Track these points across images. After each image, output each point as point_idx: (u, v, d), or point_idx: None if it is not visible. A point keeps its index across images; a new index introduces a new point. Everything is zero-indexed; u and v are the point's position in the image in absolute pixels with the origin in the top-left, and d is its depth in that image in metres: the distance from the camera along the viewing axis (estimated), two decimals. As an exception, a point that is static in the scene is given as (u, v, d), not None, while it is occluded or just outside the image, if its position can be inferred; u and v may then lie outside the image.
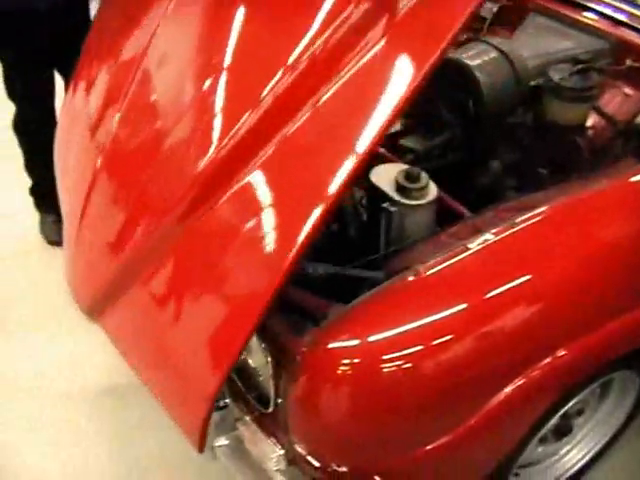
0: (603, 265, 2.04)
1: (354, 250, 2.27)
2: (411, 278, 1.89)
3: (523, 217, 1.99)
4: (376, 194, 2.23)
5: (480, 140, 2.60)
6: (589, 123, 2.53)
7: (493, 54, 2.51)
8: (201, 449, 1.96)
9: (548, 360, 1.97)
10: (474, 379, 1.89)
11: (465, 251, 1.92)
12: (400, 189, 2.17)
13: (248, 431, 2.14)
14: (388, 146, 2.74)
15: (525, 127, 2.55)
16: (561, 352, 1.98)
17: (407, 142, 2.76)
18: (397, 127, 2.88)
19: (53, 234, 3.72)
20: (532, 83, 2.53)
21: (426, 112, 2.73)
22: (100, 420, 2.89)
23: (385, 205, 2.18)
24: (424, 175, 2.19)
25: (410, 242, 2.19)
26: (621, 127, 2.45)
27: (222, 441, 2.25)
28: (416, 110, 2.75)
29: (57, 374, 3.10)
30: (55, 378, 3.08)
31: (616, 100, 2.56)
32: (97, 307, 2.26)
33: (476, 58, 2.50)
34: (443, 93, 2.63)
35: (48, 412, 2.94)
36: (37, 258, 3.68)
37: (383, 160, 2.52)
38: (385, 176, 2.24)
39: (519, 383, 1.94)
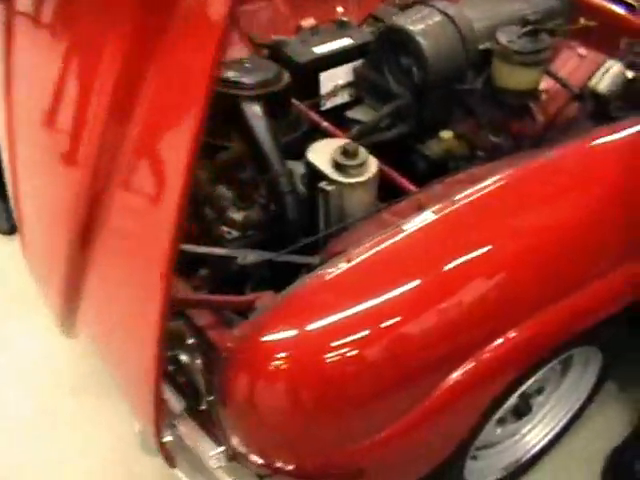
0: (555, 240, 1.88)
1: (295, 233, 2.12)
2: (344, 263, 1.73)
3: (465, 192, 1.83)
4: (314, 172, 2.07)
5: (428, 109, 2.43)
6: (542, 87, 2.35)
7: (437, 18, 2.33)
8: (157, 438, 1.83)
9: (500, 342, 1.83)
10: (422, 364, 1.75)
11: (399, 233, 1.75)
12: (337, 166, 2.01)
13: (187, 428, 2.00)
14: (333, 118, 2.59)
15: (476, 94, 2.38)
16: (513, 333, 1.83)
17: (354, 114, 2.59)
18: (345, 98, 2.70)
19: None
20: (481, 47, 2.36)
21: (373, 81, 2.55)
22: (75, 411, 2.80)
23: (321, 184, 2.01)
24: (362, 150, 2.03)
25: (351, 222, 2.02)
26: (576, 91, 2.27)
27: (167, 437, 2.11)
28: (364, 80, 2.61)
29: (31, 365, 3.00)
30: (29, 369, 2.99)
31: (571, 62, 2.40)
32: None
33: (419, 23, 2.33)
34: (389, 61, 2.46)
35: (23, 403, 2.86)
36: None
37: (326, 135, 2.36)
38: (323, 153, 2.08)
39: (470, 366, 1.80)
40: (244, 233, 2.23)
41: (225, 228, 2.25)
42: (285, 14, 2.91)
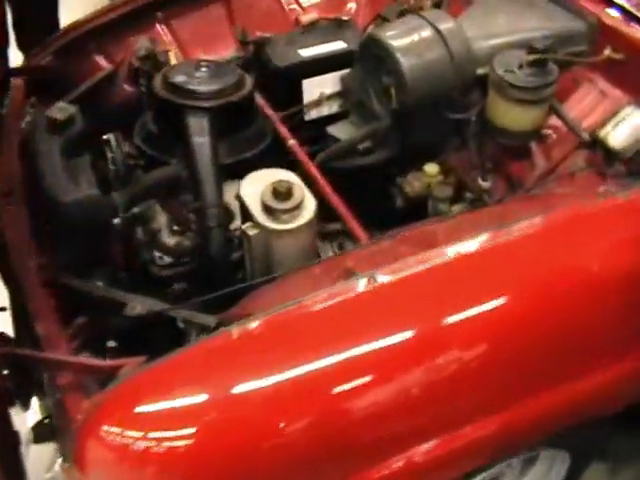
0: (518, 332, 1.50)
1: (219, 276, 1.80)
2: (235, 334, 1.40)
3: (415, 258, 1.46)
4: (243, 209, 1.74)
5: (410, 136, 2.04)
6: (548, 124, 1.92)
7: (426, 32, 1.93)
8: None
9: (428, 446, 1.48)
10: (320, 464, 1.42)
11: (303, 308, 1.41)
12: (266, 208, 1.66)
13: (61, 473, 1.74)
14: (317, 130, 2.23)
15: (469, 125, 1.97)
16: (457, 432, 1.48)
17: (335, 130, 2.22)
18: (333, 109, 2.33)
19: None
20: (479, 71, 1.94)
21: (357, 96, 2.18)
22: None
23: (245, 227, 1.68)
24: (299, 190, 1.67)
25: (272, 277, 1.68)
26: (585, 138, 1.84)
27: (47, 475, 1.90)
28: (349, 92, 2.23)
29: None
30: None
31: (588, 99, 1.95)
32: None
33: (403, 36, 1.93)
34: (371, 76, 2.07)
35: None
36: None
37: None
38: (258, 186, 1.73)
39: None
40: (177, 260, 1.93)
41: (157, 253, 1.94)
42: (286, 6, 2.53)
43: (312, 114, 2.34)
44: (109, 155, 2.12)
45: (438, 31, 1.90)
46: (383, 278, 1.42)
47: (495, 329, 1.48)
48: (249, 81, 2.04)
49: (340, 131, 2.22)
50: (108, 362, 1.48)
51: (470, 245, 1.50)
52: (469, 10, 2.10)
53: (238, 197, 1.75)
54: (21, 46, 3.16)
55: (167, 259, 1.94)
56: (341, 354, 1.38)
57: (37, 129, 1.91)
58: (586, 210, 1.56)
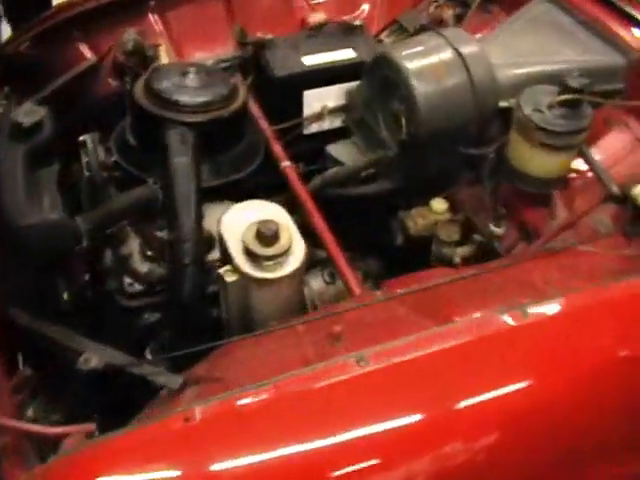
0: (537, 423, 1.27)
1: (190, 320, 1.58)
2: (197, 413, 1.18)
3: (391, 348, 1.23)
4: (223, 248, 1.51)
5: (419, 169, 1.81)
6: (572, 172, 1.69)
7: (445, 54, 1.69)
8: None
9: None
10: None
11: (278, 388, 1.19)
12: (247, 252, 1.44)
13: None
14: (317, 145, 2.00)
15: (486, 162, 1.73)
16: None
17: (335, 150, 1.99)
18: (335, 123, 2.09)
19: None
20: (501, 103, 1.70)
21: (363, 117, 1.94)
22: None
23: (222, 270, 1.45)
24: (286, 234, 1.45)
25: (256, 326, 1.47)
26: (615, 191, 1.61)
27: None
28: (354, 109, 1.99)
29: None
30: None
31: (622, 144, 1.71)
32: None
33: (418, 58, 1.69)
34: (380, 98, 1.83)
35: None
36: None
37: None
38: (241, 222, 1.50)
39: None
40: (149, 288, 1.71)
41: (127, 279, 1.72)
42: (293, 3, 2.27)
43: (312, 128, 2.10)
44: (84, 159, 1.89)
45: (459, 54, 1.66)
46: (374, 361, 1.19)
47: (511, 418, 1.26)
48: (242, 92, 1.81)
49: (340, 152, 1.99)
50: (51, 429, 1.26)
51: (484, 324, 1.27)
52: (495, 32, 1.85)
53: (218, 233, 1.52)
54: (10, 20, 2.93)
55: (138, 287, 1.72)
56: (330, 438, 1.16)
57: (0, 132, 1.68)
58: (613, 293, 1.33)
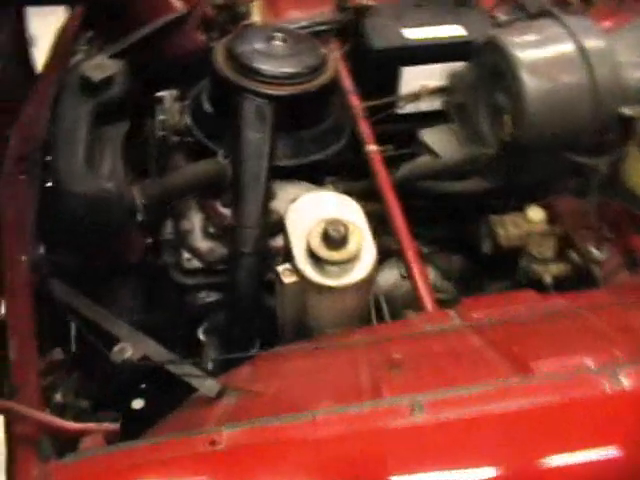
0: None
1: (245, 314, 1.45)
2: (224, 438, 1.05)
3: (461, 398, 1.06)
4: (286, 244, 1.36)
5: (520, 173, 1.59)
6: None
7: (565, 47, 1.44)
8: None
9: None
10: None
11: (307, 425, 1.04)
12: (311, 254, 1.28)
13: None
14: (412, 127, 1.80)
15: (596, 175, 1.50)
16: None
17: (429, 136, 1.78)
18: (435, 105, 1.87)
19: None
20: (625, 110, 1.46)
21: (464, 105, 1.72)
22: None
23: (280, 269, 1.30)
24: (357, 238, 1.28)
25: (311, 333, 1.32)
26: None
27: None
28: (456, 94, 1.77)
29: None
30: None
31: None
32: None
33: (533, 48, 1.45)
34: (485, 88, 1.61)
35: None
36: None
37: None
38: (307, 220, 1.34)
39: None
40: (208, 267, 1.58)
41: (186, 254, 1.60)
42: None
43: (407, 108, 1.89)
44: (159, 117, 1.75)
45: (582, 48, 1.42)
46: (431, 411, 1.02)
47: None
48: (332, 65, 1.63)
49: (434, 139, 1.78)
50: (71, 425, 1.15)
51: (573, 385, 1.07)
52: (627, 25, 1.58)
53: (283, 227, 1.36)
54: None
55: (196, 264, 1.59)
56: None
57: (68, 85, 1.56)
58: None
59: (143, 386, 1.65)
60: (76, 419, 1.29)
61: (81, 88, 1.52)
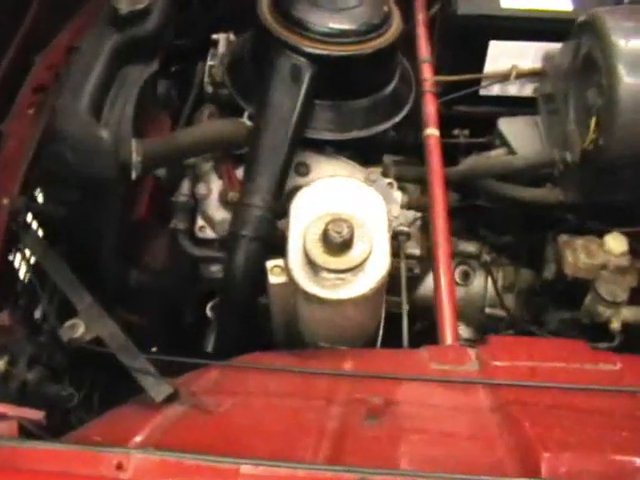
0: None
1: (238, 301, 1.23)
2: (132, 464, 0.84)
3: None
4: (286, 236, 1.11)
5: (596, 185, 1.26)
6: None
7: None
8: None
9: None
10: None
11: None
12: (308, 258, 1.03)
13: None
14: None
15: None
16: None
17: (506, 126, 1.48)
18: (526, 91, 1.55)
19: None
20: None
21: (554, 94, 1.39)
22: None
23: (269, 264, 1.06)
24: (365, 242, 1.01)
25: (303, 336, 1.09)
26: None
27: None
28: (547, 80, 1.44)
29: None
30: None
31: None
32: None
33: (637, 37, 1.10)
34: (578, 80, 1.28)
35: None
36: None
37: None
38: (312, 211, 1.08)
39: None
40: (221, 239, 1.37)
41: (200, 221, 1.38)
42: None
43: (492, 89, 1.57)
44: (209, 62, 1.52)
45: None
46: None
47: None
48: (396, 25, 1.33)
49: (514, 131, 1.48)
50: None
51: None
52: None
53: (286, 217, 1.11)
54: None
55: (210, 233, 1.37)
56: None
57: (100, 16, 1.35)
58: None
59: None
60: (19, 392, 1.12)
61: (108, 20, 1.31)
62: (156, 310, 1.49)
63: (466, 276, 1.54)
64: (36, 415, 0.97)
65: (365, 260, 1.02)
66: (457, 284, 1.51)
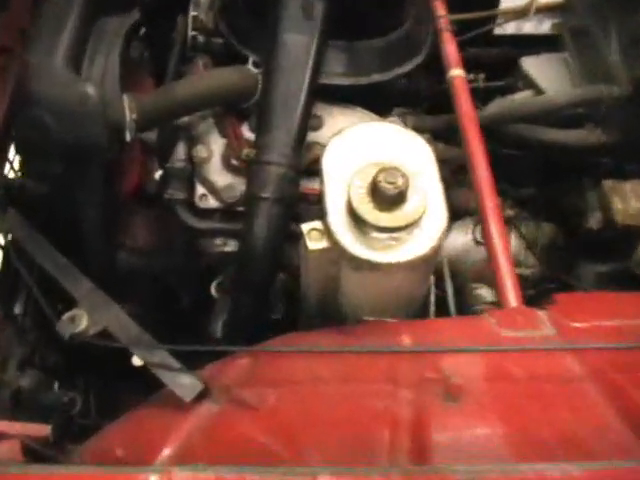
0: None
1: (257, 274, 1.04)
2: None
3: None
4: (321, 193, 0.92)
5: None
6: None
7: None
8: None
9: None
10: None
11: None
12: (354, 216, 0.84)
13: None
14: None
15: None
16: None
17: (531, 65, 1.32)
18: (544, 28, 1.39)
19: None
20: None
21: (584, 29, 1.23)
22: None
23: (305, 228, 0.87)
24: (420, 192, 0.83)
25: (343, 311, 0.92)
26: None
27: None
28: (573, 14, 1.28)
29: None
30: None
31: None
32: None
33: None
34: (623, 8, 1.12)
35: None
36: None
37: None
38: (351, 162, 0.90)
39: None
40: (227, 207, 1.17)
41: (200, 189, 1.18)
42: None
43: (507, 27, 1.40)
44: (192, 13, 1.31)
45: None
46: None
47: None
48: None
49: (541, 70, 1.32)
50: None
51: None
52: None
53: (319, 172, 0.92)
54: None
55: (212, 202, 1.18)
56: None
57: None
58: None
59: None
60: (14, 401, 0.92)
61: None
62: (150, 295, 1.30)
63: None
64: (42, 431, 0.78)
65: (422, 214, 0.84)
66: (478, 242, 1.36)
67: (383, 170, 0.83)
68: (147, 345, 0.85)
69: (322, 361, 0.85)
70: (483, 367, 0.82)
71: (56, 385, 1.01)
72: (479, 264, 1.29)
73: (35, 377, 0.96)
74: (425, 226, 0.86)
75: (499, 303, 1.43)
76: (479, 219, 1.27)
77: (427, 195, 0.85)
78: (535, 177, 1.39)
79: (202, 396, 0.82)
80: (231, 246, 1.21)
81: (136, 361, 1.33)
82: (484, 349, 0.81)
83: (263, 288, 1.07)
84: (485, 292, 1.39)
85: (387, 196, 0.82)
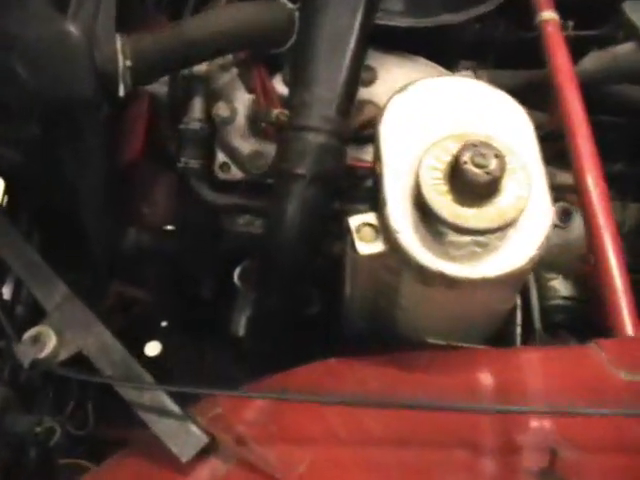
0: None
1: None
2: None
3: None
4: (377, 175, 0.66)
5: None
6: None
7: None
8: None
9: None
10: None
11: None
12: (424, 210, 0.57)
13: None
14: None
15: None
16: None
17: (636, 8, 1.03)
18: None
19: None
20: None
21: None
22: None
23: (351, 224, 0.61)
24: (518, 180, 0.56)
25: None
26: None
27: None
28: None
29: None
30: None
31: None
32: None
33: None
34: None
35: None
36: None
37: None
38: (424, 131, 0.63)
39: None
40: (254, 178, 0.94)
41: (221, 157, 0.93)
42: None
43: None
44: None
45: None
46: None
47: None
48: None
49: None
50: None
51: None
52: None
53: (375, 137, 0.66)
54: None
55: (235, 171, 0.93)
56: None
57: None
58: None
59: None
60: None
61: None
62: (165, 281, 1.06)
63: (566, 215, 1.13)
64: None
65: (522, 212, 0.58)
66: (556, 226, 1.10)
67: (469, 146, 0.56)
68: (136, 379, 0.60)
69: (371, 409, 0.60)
70: (601, 430, 0.57)
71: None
72: (554, 250, 1.05)
73: (3, 396, 0.73)
74: (524, 227, 0.59)
75: (576, 298, 1.19)
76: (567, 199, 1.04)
77: (530, 184, 0.58)
78: (625, 151, 1.13)
79: (207, 451, 0.59)
80: (257, 226, 0.97)
81: (150, 350, 1.13)
82: (607, 413, 0.55)
83: (293, 284, 0.82)
84: (559, 284, 1.16)
85: (474, 184, 0.56)
